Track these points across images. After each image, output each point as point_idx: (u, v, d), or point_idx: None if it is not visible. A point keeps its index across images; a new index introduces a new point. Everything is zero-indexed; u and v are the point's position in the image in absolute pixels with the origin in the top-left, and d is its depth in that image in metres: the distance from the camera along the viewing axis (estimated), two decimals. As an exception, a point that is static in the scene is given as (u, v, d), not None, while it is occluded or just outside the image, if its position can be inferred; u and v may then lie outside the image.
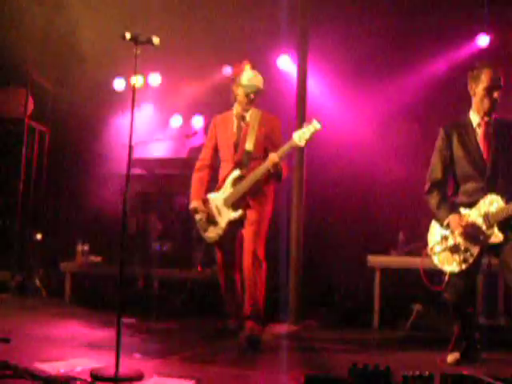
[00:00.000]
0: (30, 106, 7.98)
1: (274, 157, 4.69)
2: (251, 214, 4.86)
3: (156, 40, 3.78)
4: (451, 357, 4.23)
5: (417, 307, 5.83)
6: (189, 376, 3.62)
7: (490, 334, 5.14)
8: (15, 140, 7.79)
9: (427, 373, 2.70)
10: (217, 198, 4.99)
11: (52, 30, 7.22)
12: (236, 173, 4.90)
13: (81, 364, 3.73)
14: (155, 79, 8.35)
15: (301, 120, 6.28)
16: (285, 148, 4.71)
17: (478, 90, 4.11)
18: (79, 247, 7.19)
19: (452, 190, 4.26)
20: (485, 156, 4.07)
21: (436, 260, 4.16)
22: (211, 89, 7.83)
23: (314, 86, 6.86)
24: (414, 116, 6.83)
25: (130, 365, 3.68)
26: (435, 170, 4.25)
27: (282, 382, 3.48)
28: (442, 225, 4.13)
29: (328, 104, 7.21)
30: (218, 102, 6.33)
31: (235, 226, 4.92)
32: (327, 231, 7.17)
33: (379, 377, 2.55)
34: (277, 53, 7.54)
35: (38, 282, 7.32)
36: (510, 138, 4.07)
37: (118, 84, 8.37)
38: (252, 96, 4.89)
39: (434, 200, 4.21)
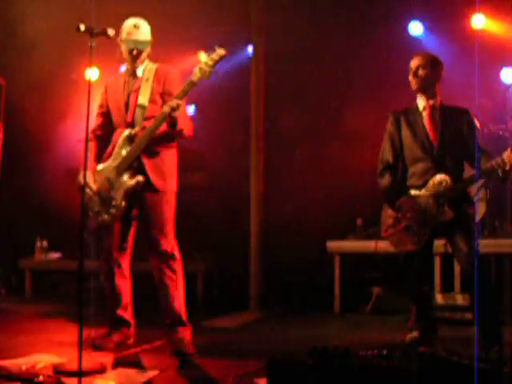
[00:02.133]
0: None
1: (173, 100, 3.85)
2: (150, 193, 4.01)
3: (111, 32, 3.73)
4: (409, 336, 4.33)
5: (376, 290, 5.95)
6: (152, 366, 3.64)
7: (448, 313, 5.29)
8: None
9: (385, 351, 2.77)
10: (106, 168, 4.06)
11: (3, 22, 7.06)
12: (126, 132, 4.02)
13: (43, 360, 3.71)
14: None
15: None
16: (185, 86, 3.87)
17: (409, 76, 4.26)
18: (38, 243, 7.12)
19: (402, 173, 4.35)
20: (432, 137, 4.19)
21: (391, 242, 4.25)
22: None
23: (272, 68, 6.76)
24: (368, 101, 6.89)
25: (92, 358, 3.68)
26: (386, 153, 4.34)
27: (246, 368, 3.51)
28: (393, 207, 4.21)
29: (287, 87, 7.19)
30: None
31: (133, 200, 4.05)
32: (286, 218, 7.23)
33: (338, 357, 2.62)
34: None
35: (-3, 280, 7.24)
36: (455, 122, 4.19)
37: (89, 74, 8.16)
38: (135, 52, 4.11)
39: (385, 183, 4.30)
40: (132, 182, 3.96)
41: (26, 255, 7.22)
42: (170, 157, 4.12)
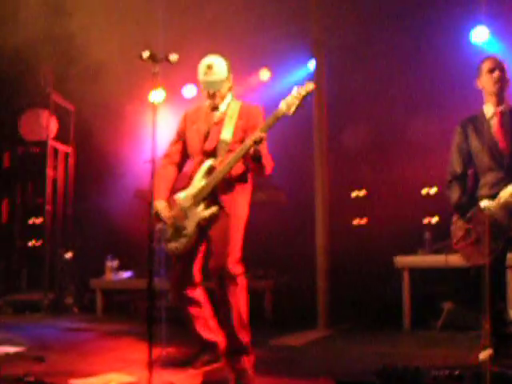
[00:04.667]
0: (54, 128, 8.12)
1: (256, 133, 3.75)
2: (220, 218, 3.92)
3: (173, 57, 3.78)
4: (483, 354, 4.19)
5: (447, 306, 5.80)
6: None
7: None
8: (40, 162, 7.94)
9: (457, 372, 2.69)
10: (183, 197, 4.01)
11: (72, 49, 7.29)
12: (208, 163, 3.96)
13: (114, 379, 3.78)
14: (190, 91, 7.95)
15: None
16: (270, 120, 3.79)
17: (482, 78, 4.16)
18: (108, 263, 7.29)
19: (472, 184, 4.24)
20: (502, 146, 4.07)
21: (462, 255, 4.14)
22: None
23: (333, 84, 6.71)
24: (432, 112, 6.78)
25: (162, 377, 3.71)
26: (454, 164, 4.24)
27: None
28: (464, 219, 4.10)
29: (348, 101, 7.13)
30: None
31: (204, 230, 3.97)
32: (354, 232, 7.17)
33: (408, 378, 2.55)
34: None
35: (70, 299, 7.44)
36: None
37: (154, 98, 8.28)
38: (211, 92, 4.06)
39: (454, 194, 4.20)
40: (206, 212, 3.89)
41: (98, 275, 7.40)
42: (244, 190, 4.03)
